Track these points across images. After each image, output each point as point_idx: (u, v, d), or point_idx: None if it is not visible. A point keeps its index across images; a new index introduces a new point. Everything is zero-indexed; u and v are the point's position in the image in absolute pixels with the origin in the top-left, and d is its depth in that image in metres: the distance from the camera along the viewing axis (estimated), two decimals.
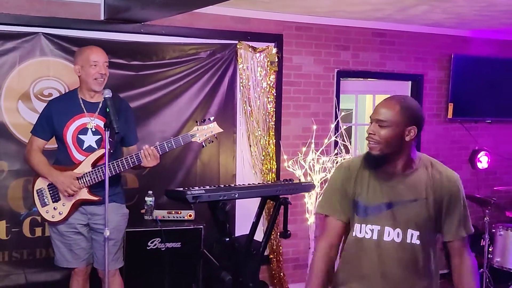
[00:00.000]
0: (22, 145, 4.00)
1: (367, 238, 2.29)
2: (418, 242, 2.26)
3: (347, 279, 2.37)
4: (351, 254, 2.35)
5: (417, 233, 2.26)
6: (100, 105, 3.47)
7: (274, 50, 4.81)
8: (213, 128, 3.50)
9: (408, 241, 2.26)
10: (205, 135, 3.47)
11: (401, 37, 5.45)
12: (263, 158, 4.82)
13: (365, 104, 6.22)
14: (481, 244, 4.96)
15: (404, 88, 5.60)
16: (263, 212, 3.88)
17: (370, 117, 2.29)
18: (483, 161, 5.85)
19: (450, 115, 5.64)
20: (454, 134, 5.80)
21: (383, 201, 2.28)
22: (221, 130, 3.55)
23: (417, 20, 5.13)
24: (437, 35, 5.56)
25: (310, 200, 4.57)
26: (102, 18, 4.23)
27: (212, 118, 3.55)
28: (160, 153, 3.42)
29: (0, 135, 4.03)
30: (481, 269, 4.69)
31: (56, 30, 4.11)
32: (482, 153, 5.84)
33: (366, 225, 2.28)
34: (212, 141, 3.56)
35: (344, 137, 4.71)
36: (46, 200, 3.45)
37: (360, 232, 2.30)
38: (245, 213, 4.49)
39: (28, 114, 4.05)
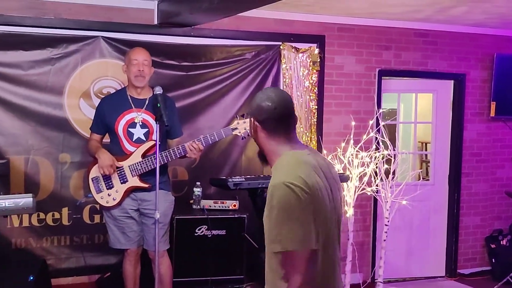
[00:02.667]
0: (83, 139, 4.40)
1: None
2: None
3: None
4: None
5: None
6: (147, 101, 3.81)
7: (317, 51, 5.04)
8: None
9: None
10: (245, 129, 3.74)
11: (444, 37, 5.55)
12: None
13: (412, 103, 6.29)
14: None
15: (447, 87, 5.69)
16: None
17: None
18: None
19: (492, 114, 5.69)
20: (497, 132, 5.84)
21: None
22: None
23: (459, 21, 5.23)
24: (479, 35, 5.63)
25: (349, 194, 4.76)
26: (155, 22, 4.58)
27: None
28: (204, 145, 3.72)
29: (63, 130, 4.44)
30: None
31: (113, 33, 4.49)
32: None
33: None
34: (251, 134, 3.82)
35: (384, 134, 4.86)
36: (101, 187, 3.82)
37: None
38: None
39: (89, 111, 4.43)
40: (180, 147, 3.71)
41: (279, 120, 2.05)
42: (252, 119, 2.09)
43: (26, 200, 2.87)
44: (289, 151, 2.05)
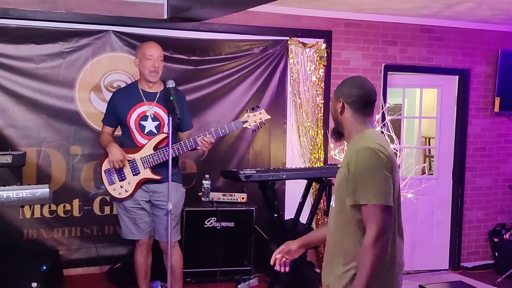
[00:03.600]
0: (94, 132, 4.47)
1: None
2: (333, 205, 2.39)
3: None
4: None
5: (333, 197, 2.41)
6: (158, 94, 3.87)
7: (323, 46, 5.10)
8: (262, 115, 3.84)
9: (333, 205, 2.40)
10: (255, 122, 3.81)
11: (449, 33, 5.61)
12: (311, 147, 5.11)
13: (416, 98, 6.36)
14: None
15: (452, 82, 5.75)
16: (309, 195, 4.19)
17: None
18: None
19: (497, 109, 5.75)
20: (501, 127, 5.90)
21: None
22: (269, 117, 3.90)
23: (465, 17, 5.29)
24: (484, 31, 5.69)
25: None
26: (165, 17, 4.64)
27: (260, 106, 3.91)
28: (215, 138, 3.78)
29: (74, 123, 4.51)
30: None
31: (124, 28, 4.55)
32: None
33: None
34: (261, 127, 3.90)
35: (389, 128, 4.93)
36: (113, 179, 3.88)
37: None
38: (295, 201, 4.77)
39: (99, 104, 4.50)
40: (191, 139, 3.77)
41: (365, 104, 2.39)
42: (341, 99, 2.39)
43: (43, 190, 2.93)
44: (370, 129, 2.40)
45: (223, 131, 3.80)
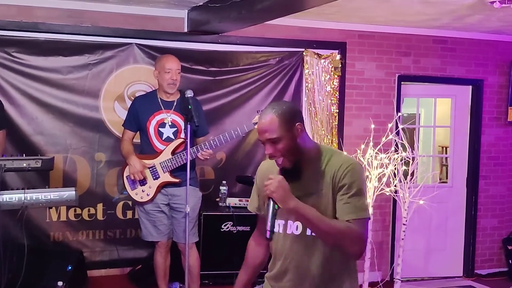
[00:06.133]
0: (117, 139, 4.68)
1: (276, 232, 2.25)
2: (304, 233, 2.22)
3: (270, 267, 2.40)
4: (273, 243, 2.35)
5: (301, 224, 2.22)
6: (175, 103, 4.10)
7: (338, 57, 5.26)
8: None
9: (308, 233, 2.21)
10: None
11: (462, 43, 5.73)
12: None
13: (431, 107, 6.44)
14: None
15: (465, 92, 5.86)
16: None
17: (259, 139, 2.25)
18: None
19: (510, 118, 5.84)
20: None
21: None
22: None
23: (476, 28, 5.41)
24: (497, 42, 5.80)
25: (368, 194, 4.96)
26: (185, 30, 4.86)
27: None
28: (213, 149, 4.04)
29: (99, 131, 4.75)
30: None
31: (146, 41, 4.78)
32: None
33: (276, 220, 2.22)
34: None
35: (403, 137, 5.05)
36: (135, 184, 4.10)
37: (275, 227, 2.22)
38: None
39: (123, 113, 4.69)
40: (207, 143, 4.01)
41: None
42: (297, 125, 2.18)
43: (69, 193, 3.14)
44: (318, 143, 2.34)
45: (236, 134, 4.06)
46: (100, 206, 4.79)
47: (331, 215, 2.18)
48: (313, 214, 2.11)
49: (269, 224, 2.10)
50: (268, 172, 2.26)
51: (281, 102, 2.33)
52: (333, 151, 2.29)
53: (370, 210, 5.01)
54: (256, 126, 3.98)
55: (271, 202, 2.12)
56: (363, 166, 4.91)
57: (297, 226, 2.23)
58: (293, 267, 2.26)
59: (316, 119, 5.23)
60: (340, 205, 2.16)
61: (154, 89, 4.67)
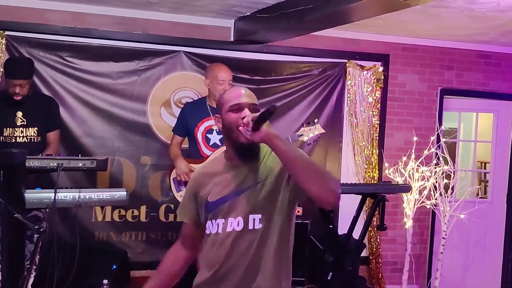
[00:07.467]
0: (163, 144, 4.81)
1: (213, 233, 2.19)
2: (260, 225, 2.13)
3: (201, 275, 2.26)
4: (206, 250, 2.24)
5: (259, 216, 2.13)
6: None
7: (381, 69, 5.31)
8: (317, 129, 4.10)
9: (250, 227, 2.13)
10: (310, 135, 4.06)
11: (507, 59, 5.70)
12: (366, 166, 5.29)
13: (472, 122, 6.40)
14: None
15: (508, 107, 5.82)
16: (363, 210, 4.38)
17: (236, 103, 2.17)
18: None
19: None
20: None
21: (229, 192, 2.18)
22: (323, 131, 4.17)
23: None
24: None
25: (409, 206, 4.97)
26: (231, 39, 4.97)
27: (316, 121, 4.18)
28: None
29: (145, 135, 4.87)
30: None
31: (193, 49, 4.90)
32: None
33: (215, 220, 2.18)
34: (316, 141, 4.15)
35: (444, 150, 5.06)
36: (181, 187, 4.20)
37: (210, 228, 2.20)
38: (348, 217, 4.95)
39: (169, 118, 4.85)
40: None
41: None
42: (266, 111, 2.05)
43: (120, 193, 3.22)
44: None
45: None
46: (143, 208, 4.90)
47: (286, 204, 2.14)
48: (288, 142, 2.09)
49: None
50: (210, 175, 2.25)
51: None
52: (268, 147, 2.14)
53: (410, 223, 5.02)
54: (300, 139, 4.07)
55: None
56: (404, 178, 4.97)
57: (238, 222, 2.13)
58: (236, 266, 2.14)
59: (357, 130, 5.27)
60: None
61: (199, 95, 4.82)
